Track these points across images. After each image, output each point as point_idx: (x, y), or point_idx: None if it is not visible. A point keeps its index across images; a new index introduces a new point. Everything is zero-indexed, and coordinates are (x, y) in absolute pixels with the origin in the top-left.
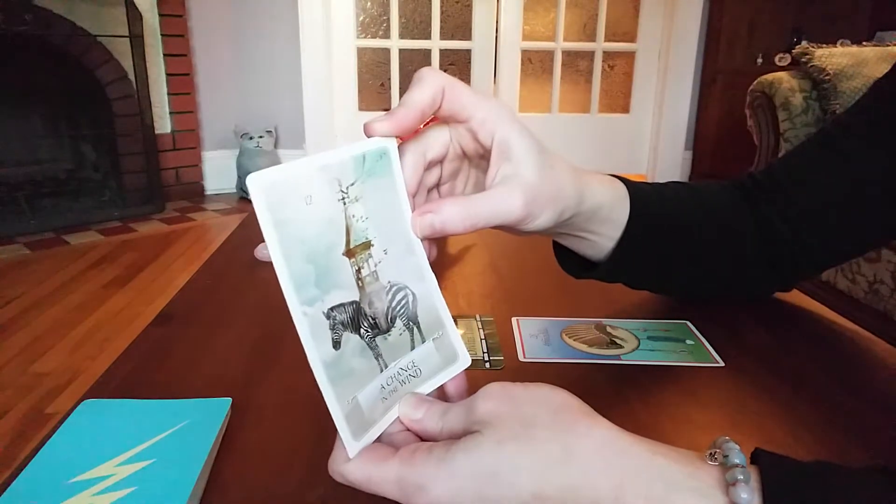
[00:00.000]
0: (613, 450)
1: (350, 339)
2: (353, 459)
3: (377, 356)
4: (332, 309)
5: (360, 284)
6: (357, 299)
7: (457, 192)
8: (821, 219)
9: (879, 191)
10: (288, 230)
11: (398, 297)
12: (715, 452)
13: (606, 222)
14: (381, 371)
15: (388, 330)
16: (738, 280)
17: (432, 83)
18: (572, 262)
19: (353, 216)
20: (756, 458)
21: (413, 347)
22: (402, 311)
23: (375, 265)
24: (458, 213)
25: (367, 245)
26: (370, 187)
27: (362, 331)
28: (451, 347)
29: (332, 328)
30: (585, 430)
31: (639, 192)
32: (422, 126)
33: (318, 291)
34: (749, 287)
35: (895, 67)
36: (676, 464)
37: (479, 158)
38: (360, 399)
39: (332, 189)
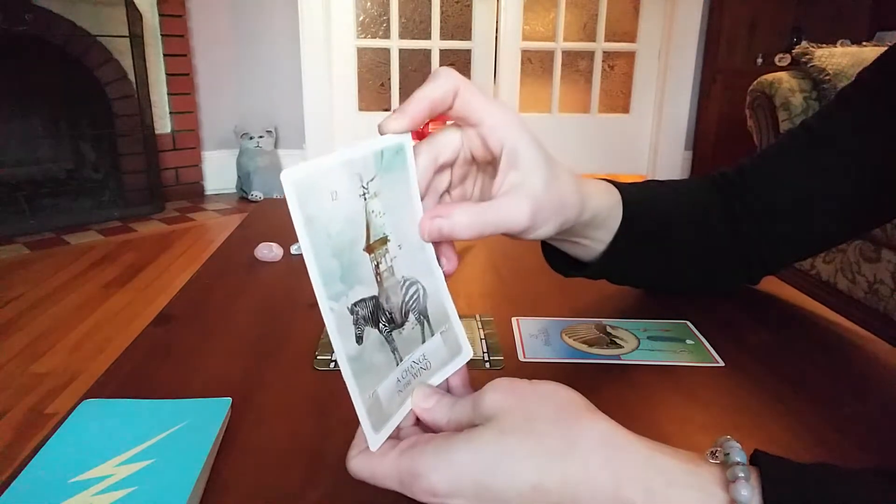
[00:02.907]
0: (614, 445)
1: (370, 334)
2: (358, 455)
3: (393, 350)
4: (355, 304)
5: (379, 280)
6: (376, 294)
7: (466, 197)
8: (784, 216)
9: (839, 194)
10: (317, 226)
11: (411, 291)
12: (716, 451)
13: (601, 228)
14: (397, 365)
15: (402, 324)
16: (708, 274)
17: (445, 82)
18: (560, 260)
19: (373, 211)
20: (755, 459)
21: (424, 340)
22: (414, 304)
23: (391, 260)
24: (466, 220)
25: (384, 240)
26: (387, 182)
27: (381, 325)
28: (455, 340)
29: (356, 323)
30: (587, 424)
31: (630, 196)
32: (430, 127)
33: (344, 287)
34: (718, 281)
35: (858, 78)
36: (677, 461)
37: (487, 164)
38: (379, 392)
39: (354, 184)
